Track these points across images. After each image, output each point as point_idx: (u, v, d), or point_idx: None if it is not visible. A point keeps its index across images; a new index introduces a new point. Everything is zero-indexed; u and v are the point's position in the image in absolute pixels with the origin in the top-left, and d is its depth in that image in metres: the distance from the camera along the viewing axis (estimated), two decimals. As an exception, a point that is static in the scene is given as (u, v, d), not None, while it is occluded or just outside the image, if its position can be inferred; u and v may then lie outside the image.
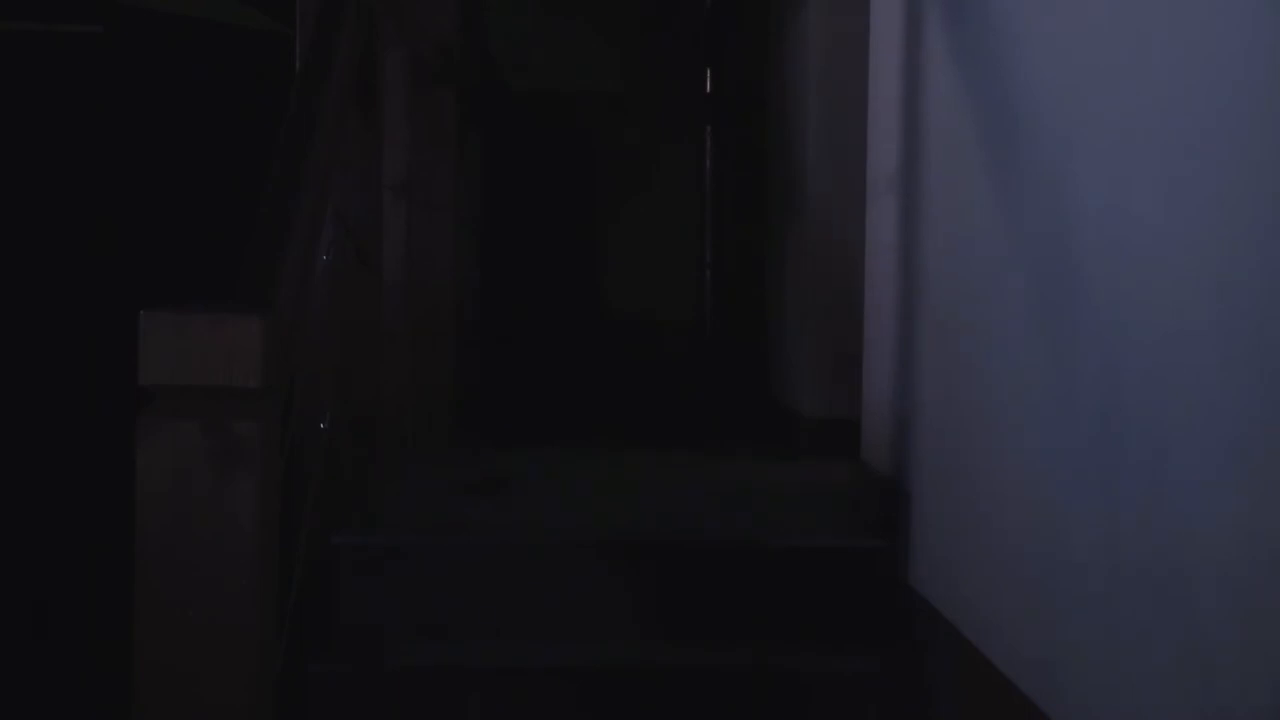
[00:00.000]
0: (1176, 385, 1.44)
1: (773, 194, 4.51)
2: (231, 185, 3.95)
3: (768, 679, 2.42)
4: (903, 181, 2.65)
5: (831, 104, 3.60)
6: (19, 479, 4.19)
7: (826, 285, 3.60)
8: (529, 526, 2.70)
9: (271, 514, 1.67)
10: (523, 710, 2.40)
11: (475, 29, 4.32)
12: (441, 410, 3.54)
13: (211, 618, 1.60)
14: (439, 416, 3.52)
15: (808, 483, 3.17)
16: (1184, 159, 1.43)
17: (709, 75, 4.99)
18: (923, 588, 2.41)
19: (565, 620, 2.51)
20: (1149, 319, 1.51)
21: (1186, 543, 1.41)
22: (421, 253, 3.27)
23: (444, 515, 2.79)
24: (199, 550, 1.59)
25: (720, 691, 2.42)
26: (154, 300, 1.62)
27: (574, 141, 5.07)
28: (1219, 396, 1.34)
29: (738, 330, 4.91)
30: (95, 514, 3.97)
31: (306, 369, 2.42)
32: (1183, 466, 1.42)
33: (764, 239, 4.70)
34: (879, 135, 2.90)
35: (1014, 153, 1.99)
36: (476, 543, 2.58)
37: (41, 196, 4.42)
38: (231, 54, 4.51)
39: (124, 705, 1.62)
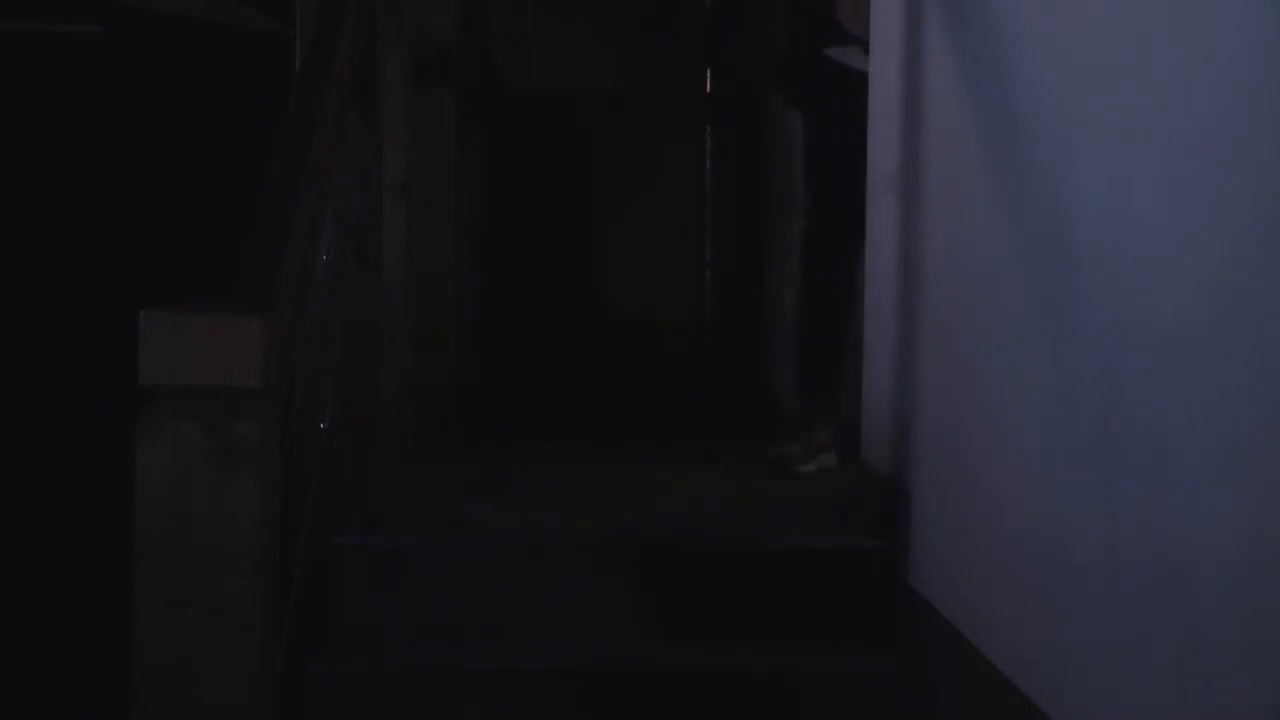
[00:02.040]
0: (1176, 385, 1.44)
1: (773, 194, 4.51)
2: (231, 185, 3.95)
3: (768, 679, 2.42)
4: (903, 181, 2.65)
5: (831, 104, 3.58)
6: (19, 479, 4.19)
7: (826, 285, 3.59)
8: (529, 526, 2.70)
9: (271, 514, 1.67)
10: (523, 710, 2.40)
11: (475, 29, 4.32)
12: (442, 410, 3.54)
13: (211, 618, 1.60)
14: (439, 416, 3.52)
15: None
16: (1184, 159, 1.43)
17: (709, 75, 4.99)
18: (923, 588, 2.41)
19: (565, 620, 2.51)
20: (1149, 319, 1.51)
21: (1186, 543, 1.41)
22: (421, 253, 3.27)
23: (444, 515, 2.79)
24: (199, 550, 1.59)
25: (720, 691, 2.42)
26: (154, 300, 1.62)
27: (574, 141, 5.06)
28: (1219, 396, 1.34)
29: (738, 330, 4.91)
30: (95, 514, 3.97)
31: (306, 369, 2.42)
32: (1183, 466, 1.42)
33: (764, 239, 4.69)
34: (879, 135, 2.89)
35: (1014, 153, 1.99)
36: (476, 543, 2.58)
37: (42, 196, 4.42)
38: (231, 54, 4.51)
39: (124, 705, 1.62)
